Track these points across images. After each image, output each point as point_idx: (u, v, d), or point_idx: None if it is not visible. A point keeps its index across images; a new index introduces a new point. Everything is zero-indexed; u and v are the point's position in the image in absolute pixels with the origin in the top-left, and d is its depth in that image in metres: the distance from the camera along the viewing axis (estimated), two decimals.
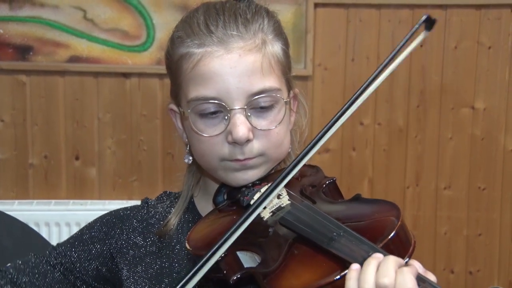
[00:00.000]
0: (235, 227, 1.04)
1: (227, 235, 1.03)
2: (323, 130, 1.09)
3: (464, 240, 3.22)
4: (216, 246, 1.03)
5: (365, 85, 1.12)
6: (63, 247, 1.34)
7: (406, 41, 1.14)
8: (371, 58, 3.09)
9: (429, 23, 1.17)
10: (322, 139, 1.09)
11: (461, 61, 3.11)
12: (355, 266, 0.95)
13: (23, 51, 3.03)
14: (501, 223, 3.21)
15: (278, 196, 1.18)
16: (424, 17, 1.16)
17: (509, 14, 3.09)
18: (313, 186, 1.22)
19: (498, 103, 3.13)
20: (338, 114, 1.10)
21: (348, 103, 1.11)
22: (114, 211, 1.38)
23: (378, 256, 0.95)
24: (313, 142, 1.09)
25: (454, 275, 3.22)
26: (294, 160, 1.09)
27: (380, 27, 3.08)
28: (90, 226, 1.36)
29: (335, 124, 1.10)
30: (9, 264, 1.32)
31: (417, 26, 1.16)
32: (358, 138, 3.15)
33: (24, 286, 1.28)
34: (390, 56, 1.13)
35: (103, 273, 1.32)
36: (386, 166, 3.17)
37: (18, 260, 1.32)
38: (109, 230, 1.34)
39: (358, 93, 1.11)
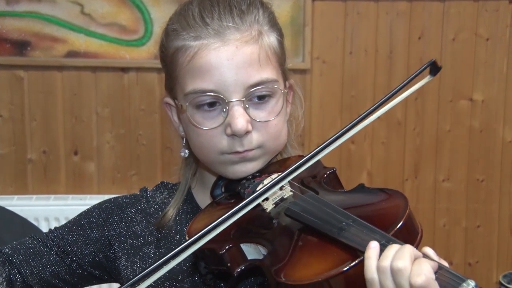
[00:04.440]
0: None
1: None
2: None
3: (463, 232, 3.23)
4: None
5: (359, 118, 1.11)
6: (60, 230, 1.34)
7: (408, 82, 1.13)
8: (369, 51, 3.09)
9: (435, 68, 1.15)
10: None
11: (459, 53, 3.11)
12: (373, 244, 0.93)
13: (21, 46, 3.02)
14: (499, 214, 3.22)
15: (281, 188, 1.16)
16: (430, 61, 1.15)
17: (506, 5, 3.08)
18: (313, 177, 1.21)
19: (496, 95, 3.13)
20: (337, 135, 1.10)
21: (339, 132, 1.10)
22: (113, 198, 1.37)
23: (396, 245, 0.94)
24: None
25: (453, 267, 3.22)
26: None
27: (378, 19, 3.08)
28: (88, 212, 1.35)
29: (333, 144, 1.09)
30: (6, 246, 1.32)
31: (422, 68, 1.15)
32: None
33: (18, 264, 1.28)
34: (390, 94, 1.12)
35: (100, 259, 1.32)
36: (385, 158, 3.17)
37: (14, 242, 1.32)
38: (107, 217, 1.33)
39: (353, 122, 1.10)
